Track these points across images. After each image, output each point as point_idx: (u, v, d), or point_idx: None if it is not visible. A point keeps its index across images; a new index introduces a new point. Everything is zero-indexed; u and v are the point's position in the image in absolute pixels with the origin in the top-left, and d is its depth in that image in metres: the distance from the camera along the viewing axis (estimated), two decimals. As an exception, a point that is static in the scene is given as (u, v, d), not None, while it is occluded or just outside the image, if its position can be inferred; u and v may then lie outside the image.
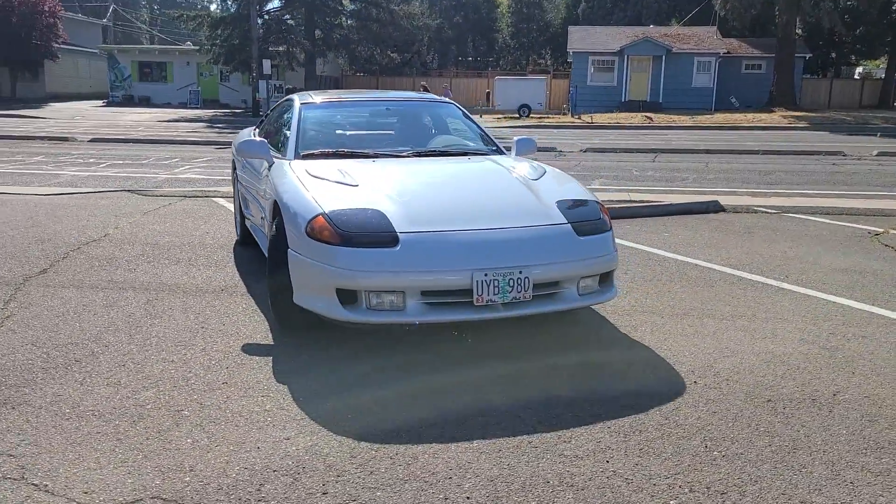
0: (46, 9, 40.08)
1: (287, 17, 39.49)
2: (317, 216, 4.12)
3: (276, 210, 4.57)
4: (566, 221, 4.30)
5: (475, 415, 3.51)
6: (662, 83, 37.90)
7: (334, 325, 4.19)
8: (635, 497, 2.83)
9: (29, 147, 17.86)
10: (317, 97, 6.13)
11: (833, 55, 48.46)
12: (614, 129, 27.35)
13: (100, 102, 42.38)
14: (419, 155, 5.40)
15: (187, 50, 45.08)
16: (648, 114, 32.90)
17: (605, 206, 4.68)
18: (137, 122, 28.42)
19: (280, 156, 5.34)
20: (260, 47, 33.51)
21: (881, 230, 8.00)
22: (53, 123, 26.58)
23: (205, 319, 4.84)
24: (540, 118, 33.10)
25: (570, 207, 4.45)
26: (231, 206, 8.43)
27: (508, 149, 5.79)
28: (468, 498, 2.82)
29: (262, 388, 3.78)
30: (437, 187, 4.62)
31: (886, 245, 7.31)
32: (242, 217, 6.70)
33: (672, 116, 32.14)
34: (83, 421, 3.39)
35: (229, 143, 14.51)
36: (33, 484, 2.87)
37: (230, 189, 8.73)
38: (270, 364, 4.10)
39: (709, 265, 6.40)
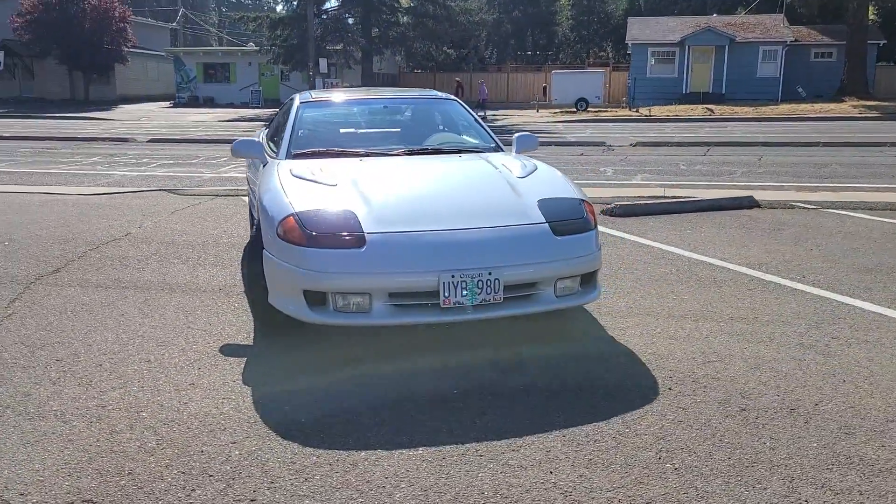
0: (117, 14, 41.57)
1: (345, 15, 39.85)
2: (287, 217, 4.10)
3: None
4: (543, 221, 4.16)
5: (429, 420, 3.42)
6: (725, 74, 36.66)
7: (316, 327, 4.16)
8: (567, 511, 2.70)
9: (90, 148, 18.47)
10: (317, 96, 6.12)
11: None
12: (671, 123, 26.64)
13: (167, 104, 43.64)
14: (411, 153, 5.33)
15: (249, 51, 46.05)
16: (710, 106, 31.96)
17: (592, 204, 4.50)
18: (198, 123, 29.13)
19: (274, 155, 5.35)
20: (317, 46, 33.95)
21: (924, 226, 7.53)
22: (119, 125, 27.46)
23: (194, 319, 4.88)
24: (597, 112, 32.51)
25: (551, 206, 4.29)
26: (255, 206, 8.52)
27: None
28: (393, 508, 2.75)
29: (226, 391, 3.78)
30: (416, 187, 4.53)
31: (925, 242, 6.87)
32: (252, 216, 6.74)
33: (734, 108, 31.11)
34: (43, 421, 3.45)
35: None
36: (-27, 484, 2.92)
37: (255, 188, 8.81)
38: (242, 366, 4.10)
39: (723, 264, 6.13)
